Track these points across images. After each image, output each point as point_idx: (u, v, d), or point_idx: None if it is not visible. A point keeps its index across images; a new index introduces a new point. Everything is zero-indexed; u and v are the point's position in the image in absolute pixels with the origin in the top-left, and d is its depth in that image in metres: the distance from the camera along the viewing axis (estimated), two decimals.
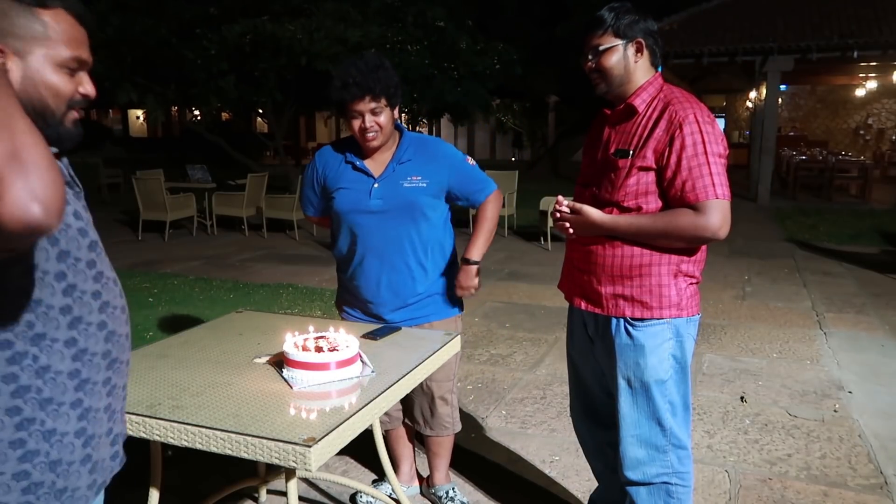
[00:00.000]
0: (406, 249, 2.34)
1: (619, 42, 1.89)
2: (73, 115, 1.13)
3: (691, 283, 1.97)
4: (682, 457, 2.04)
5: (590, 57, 1.92)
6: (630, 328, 1.96)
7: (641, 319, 1.95)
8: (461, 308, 2.54)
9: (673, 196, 1.85)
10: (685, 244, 1.88)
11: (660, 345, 1.95)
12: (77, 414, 1.12)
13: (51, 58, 1.07)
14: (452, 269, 2.47)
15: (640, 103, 1.92)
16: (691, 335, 2.00)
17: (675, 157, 1.82)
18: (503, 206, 2.85)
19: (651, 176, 1.88)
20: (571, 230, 2.02)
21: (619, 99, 1.97)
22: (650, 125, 1.88)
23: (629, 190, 1.90)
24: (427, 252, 2.37)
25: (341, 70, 2.22)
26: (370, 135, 2.24)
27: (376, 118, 2.22)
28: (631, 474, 2.04)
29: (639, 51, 1.91)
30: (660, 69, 2.00)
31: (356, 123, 2.24)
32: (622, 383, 2.00)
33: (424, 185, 2.31)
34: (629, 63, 1.91)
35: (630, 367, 1.98)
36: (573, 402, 2.36)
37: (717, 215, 1.81)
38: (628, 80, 1.92)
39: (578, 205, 1.96)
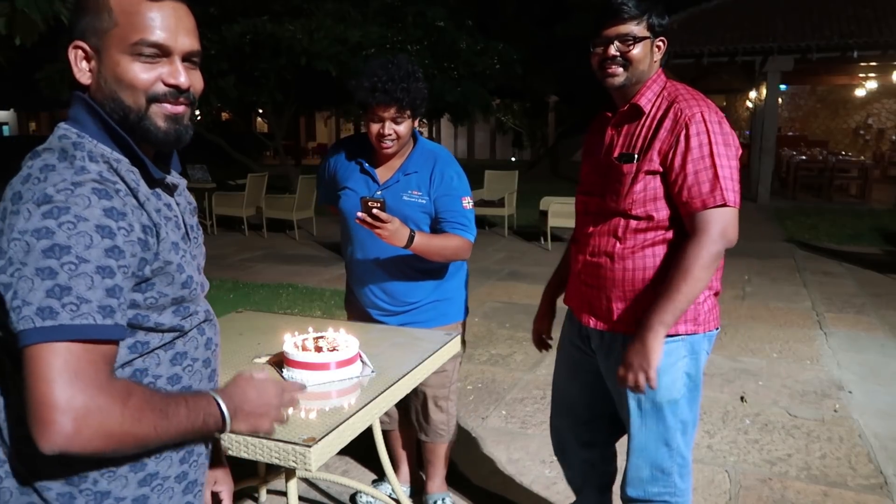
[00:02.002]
0: (401, 257, 2.28)
1: (650, 36, 1.76)
2: (165, 109, 1.01)
3: (710, 296, 1.84)
4: (684, 474, 1.96)
5: (616, 43, 1.74)
6: None
7: None
8: (464, 315, 2.50)
9: (679, 202, 1.73)
10: (712, 269, 1.73)
11: (674, 363, 1.82)
12: (138, 479, 1.02)
13: (119, 47, 0.98)
14: (456, 277, 2.44)
15: (645, 103, 1.79)
16: (706, 350, 1.89)
17: (681, 159, 1.71)
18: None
19: (658, 180, 1.75)
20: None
21: (622, 97, 1.83)
22: (654, 125, 1.76)
23: (636, 197, 1.77)
24: (425, 260, 2.28)
25: (371, 69, 2.14)
26: (386, 142, 2.19)
27: (396, 127, 2.17)
28: (631, 491, 1.95)
29: (659, 50, 1.80)
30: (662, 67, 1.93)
31: (375, 127, 2.18)
32: (632, 404, 1.87)
33: (423, 201, 2.27)
34: (651, 60, 1.78)
35: None
36: (555, 416, 2.21)
37: (717, 227, 1.69)
38: (645, 77, 1.79)
39: None
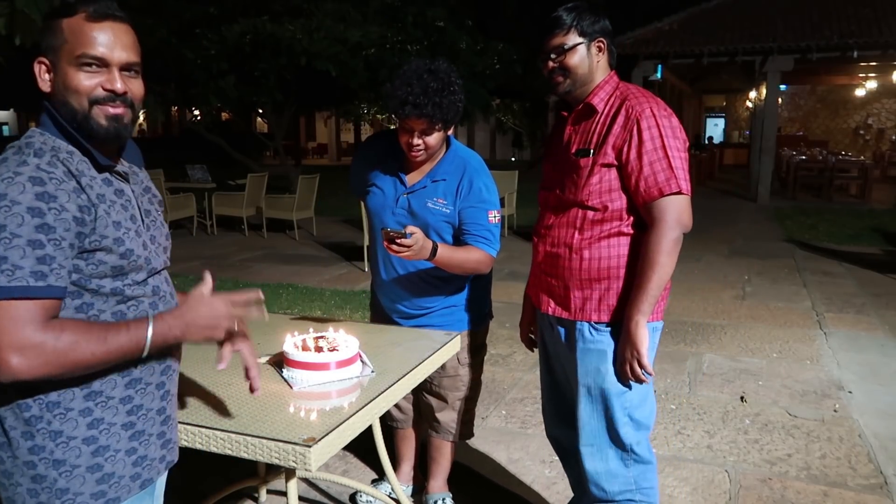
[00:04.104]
0: (420, 265, 2.25)
1: (583, 41, 1.87)
2: (105, 110, 1.21)
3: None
4: (646, 471, 1.97)
5: (553, 56, 1.88)
6: (594, 332, 1.92)
7: (608, 323, 1.90)
8: (480, 324, 2.47)
9: (634, 193, 1.83)
10: (674, 255, 1.82)
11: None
12: (87, 422, 1.21)
13: (67, 60, 1.19)
14: (474, 284, 2.41)
15: (598, 102, 1.90)
16: (654, 343, 1.93)
17: (636, 152, 1.81)
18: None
19: (614, 173, 1.85)
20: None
21: (577, 99, 1.95)
22: (608, 122, 1.86)
23: (593, 189, 1.87)
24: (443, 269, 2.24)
25: (407, 77, 2.06)
26: (415, 152, 2.15)
27: (426, 138, 2.12)
28: (593, 489, 1.98)
29: (600, 50, 1.90)
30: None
31: (404, 137, 2.14)
32: (582, 390, 1.95)
33: (447, 210, 2.22)
34: (592, 62, 1.89)
35: (590, 374, 1.93)
36: (545, 406, 2.28)
37: (673, 214, 1.79)
38: (591, 79, 1.90)
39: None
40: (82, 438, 1.20)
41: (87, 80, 1.20)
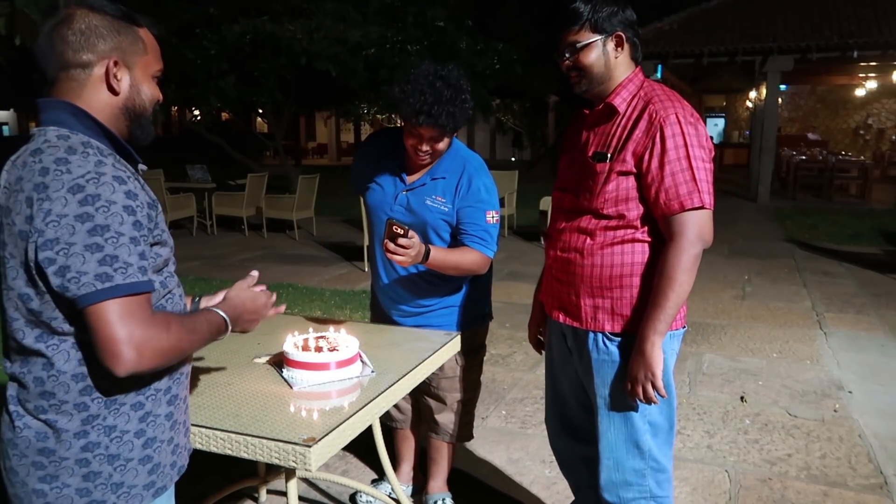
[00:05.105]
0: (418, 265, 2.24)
1: (599, 37, 1.74)
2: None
3: None
4: (661, 480, 1.91)
5: (566, 55, 1.76)
6: (608, 343, 1.84)
7: (621, 334, 1.82)
8: (480, 324, 2.48)
9: (654, 204, 1.73)
10: (694, 271, 1.72)
11: None
12: (138, 416, 1.24)
13: (146, 70, 1.28)
14: (473, 283, 2.41)
15: (620, 102, 1.78)
16: (674, 350, 1.87)
17: (657, 161, 1.70)
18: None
19: (631, 181, 1.74)
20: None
21: (597, 97, 1.83)
22: (629, 125, 1.75)
23: (608, 196, 1.77)
24: None
25: (419, 85, 2.03)
26: (422, 156, 2.15)
27: (434, 144, 2.12)
28: (607, 496, 1.94)
29: (619, 45, 1.76)
30: (640, 63, 1.86)
31: (411, 142, 2.13)
32: (600, 402, 1.88)
33: (446, 209, 2.22)
34: (609, 59, 1.76)
35: (608, 385, 1.85)
36: (549, 415, 2.22)
37: (694, 229, 1.69)
38: (609, 76, 1.78)
39: None
40: (134, 432, 1.23)
41: (157, 91, 1.31)
